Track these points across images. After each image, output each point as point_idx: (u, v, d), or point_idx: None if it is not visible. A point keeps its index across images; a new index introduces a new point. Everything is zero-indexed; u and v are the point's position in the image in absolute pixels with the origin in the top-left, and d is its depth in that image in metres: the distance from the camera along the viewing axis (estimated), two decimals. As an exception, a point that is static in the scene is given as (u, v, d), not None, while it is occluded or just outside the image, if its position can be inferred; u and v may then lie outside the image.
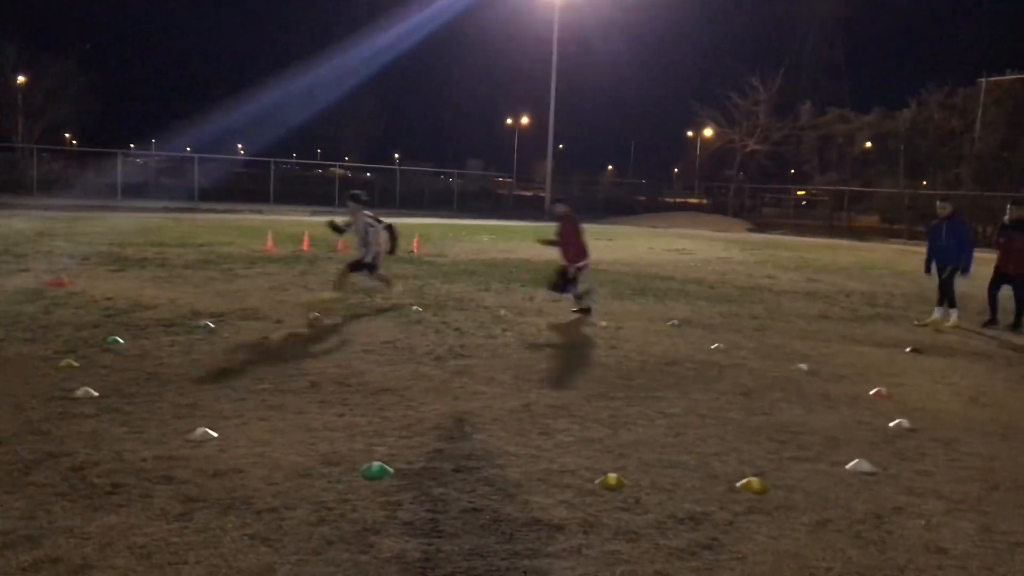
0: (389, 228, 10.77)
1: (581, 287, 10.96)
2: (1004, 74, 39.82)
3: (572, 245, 10.96)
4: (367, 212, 10.77)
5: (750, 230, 42.70)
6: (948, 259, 11.59)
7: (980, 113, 38.41)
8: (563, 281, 10.92)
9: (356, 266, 10.80)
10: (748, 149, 52.97)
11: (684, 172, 67.43)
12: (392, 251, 10.96)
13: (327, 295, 10.43)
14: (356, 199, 10.82)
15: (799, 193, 54.01)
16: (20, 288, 10.76)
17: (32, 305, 9.51)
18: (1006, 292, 11.70)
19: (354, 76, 59.92)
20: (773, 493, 4.77)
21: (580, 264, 10.94)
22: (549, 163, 47.46)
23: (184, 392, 6.31)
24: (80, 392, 6.07)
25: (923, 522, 4.43)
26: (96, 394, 6.06)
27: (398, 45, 58.33)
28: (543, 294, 11.59)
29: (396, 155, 75.94)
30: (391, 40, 57.04)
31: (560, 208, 11.45)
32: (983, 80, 39.38)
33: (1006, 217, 11.96)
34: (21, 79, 48.60)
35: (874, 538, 4.21)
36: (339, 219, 11.23)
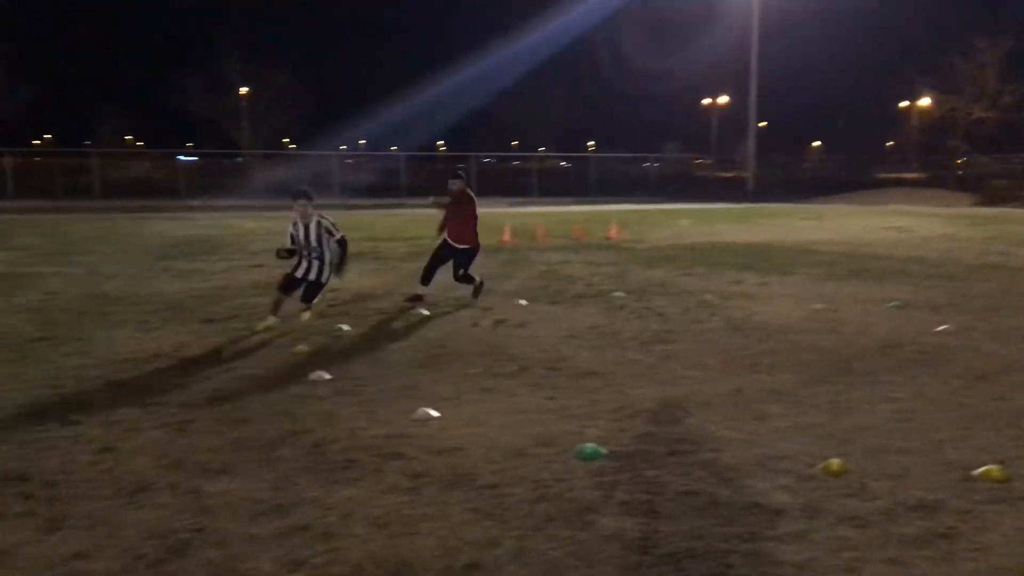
0: (342, 242, 8.96)
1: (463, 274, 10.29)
2: None
3: (460, 224, 10.28)
4: (325, 216, 8.98)
5: (976, 204, 39.32)
6: None
7: None
8: (430, 274, 10.19)
9: (292, 284, 8.81)
10: (974, 117, 48.70)
11: (899, 145, 62.98)
12: (340, 271, 9.06)
13: (263, 324, 8.49)
14: (305, 196, 8.81)
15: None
16: (254, 282, 11.76)
17: (264, 297, 10.37)
18: None
19: (543, 64, 60.57)
20: (1017, 483, 4.42)
21: (465, 247, 10.28)
22: (751, 142, 45.91)
23: (406, 375, 6.68)
24: (313, 375, 6.57)
25: None
26: (328, 377, 6.54)
27: (584, 25, 58.22)
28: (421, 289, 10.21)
29: (589, 143, 76.11)
30: (579, 21, 57.07)
31: (455, 184, 10.40)
32: None
33: None
34: (244, 90, 53.04)
35: None
36: (284, 244, 9.07)
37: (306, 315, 8.85)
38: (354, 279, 12.13)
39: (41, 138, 75.17)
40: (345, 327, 8.53)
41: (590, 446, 4.91)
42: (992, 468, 4.54)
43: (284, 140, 61.13)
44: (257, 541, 3.74)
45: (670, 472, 4.60)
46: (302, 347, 7.61)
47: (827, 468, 4.57)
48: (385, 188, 41.17)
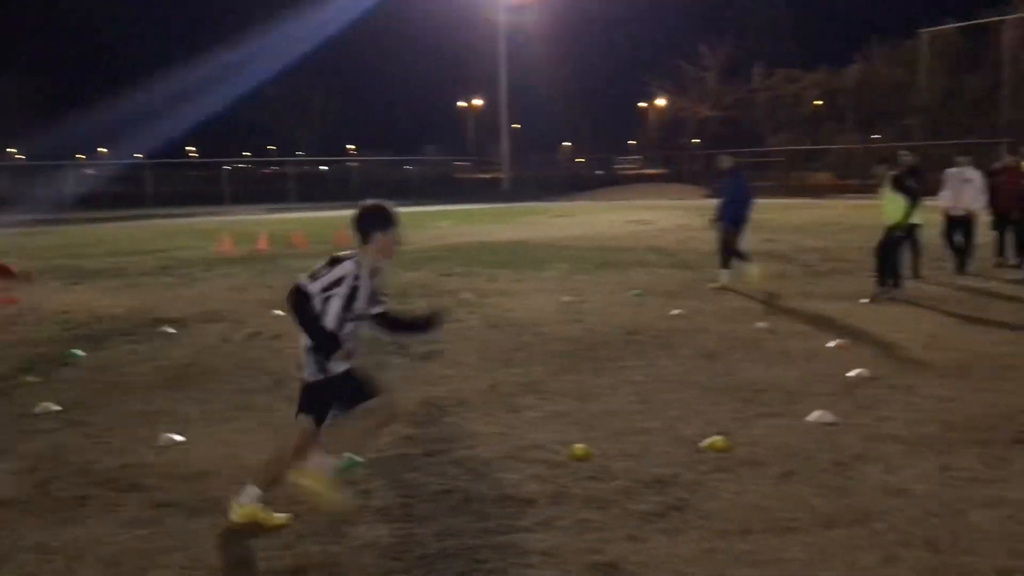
0: None
1: None
2: (943, 24, 40.37)
3: None
4: None
5: (706, 196, 43.00)
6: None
7: (923, 64, 38.97)
8: None
9: None
10: (701, 116, 53.31)
11: (640, 143, 67.62)
12: None
13: None
14: None
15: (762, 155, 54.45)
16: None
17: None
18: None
19: (298, 65, 58.94)
20: (738, 450, 4.86)
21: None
22: (504, 143, 47.37)
23: (147, 399, 6.26)
24: (39, 408, 5.99)
25: (883, 466, 4.54)
26: (57, 408, 5.99)
27: (338, 25, 57.14)
28: None
29: (349, 146, 75.30)
30: (332, 21, 55.99)
31: None
32: (923, 32, 39.91)
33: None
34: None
35: (837, 485, 4.31)
36: None
37: None
38: (90, 297, 11.21)
39: None
40: (79, 352, 7.85)
41: (345, 456, 4.83)
42: (717, 439, 4.96)
43: (9, 150, 55.52)
44: (-33, 601, 3.35)
45: (426, 473, 4.63)
46: (30, 377, 6.92)
47: (573, 454, 4.80)
48: (130, 198, 38.36)
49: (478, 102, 71.23)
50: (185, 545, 3.79)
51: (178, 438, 5.26)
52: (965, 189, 12.05)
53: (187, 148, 69.06)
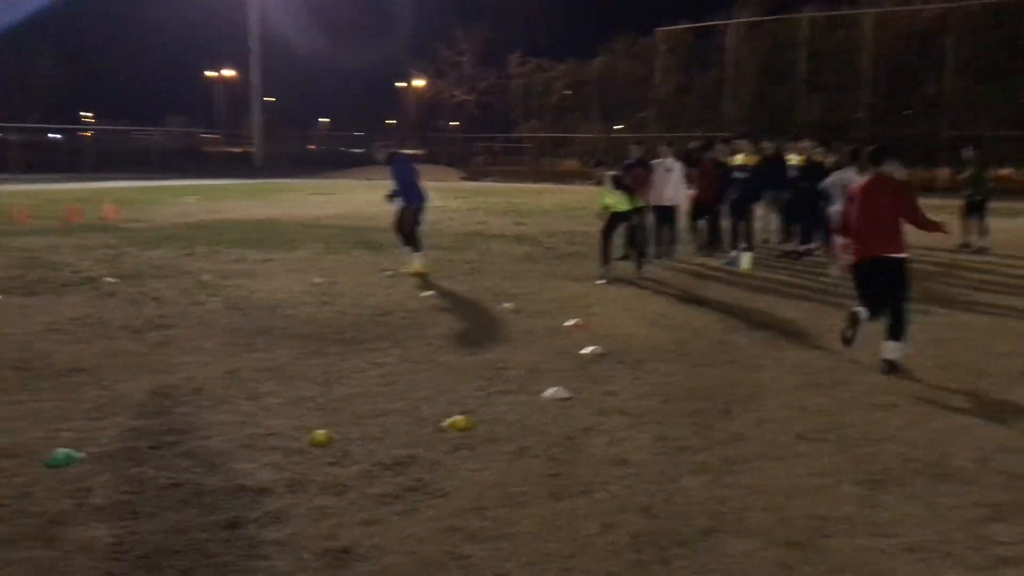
0: None
1: None
2: (678, 23, 43.57)
3: None
4: None
5: (463, 178, 43.80)
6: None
7: (659, 61, 41.88)
8: None
9: None
10: (457, 99, 54.09)
11: (398, 123, 67.49)
12: None
13: None
14: None
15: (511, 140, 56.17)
16: None
17: None
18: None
19: (22, 23, 53.08)
20: (479, 428, 5.01)
21: None
22: (256, 117, 45.50)
23: None
24: None
25: (608, 438, 4.87)
26: None
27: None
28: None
29: (83, 113, 68.95)
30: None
31: None
32: (659, 30, 42.85)
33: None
34: None
35: (566, 458, 4.56)
36: None
37: None
38: None
39: None
40: None
41: (62, 451, 4.45)
42: (458, 418, 5.08)
43: None
44: None
45: (153, 467, 4.37)
46: None
47: (314, 440, 4.72)
48: None
49: (229, 72, 67.75)
50: None
51: None
52: (668, 179, 12.78)
53: None
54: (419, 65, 54.90)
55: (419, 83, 58.59)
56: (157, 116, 60.03)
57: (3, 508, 3.84)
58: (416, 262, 10.95)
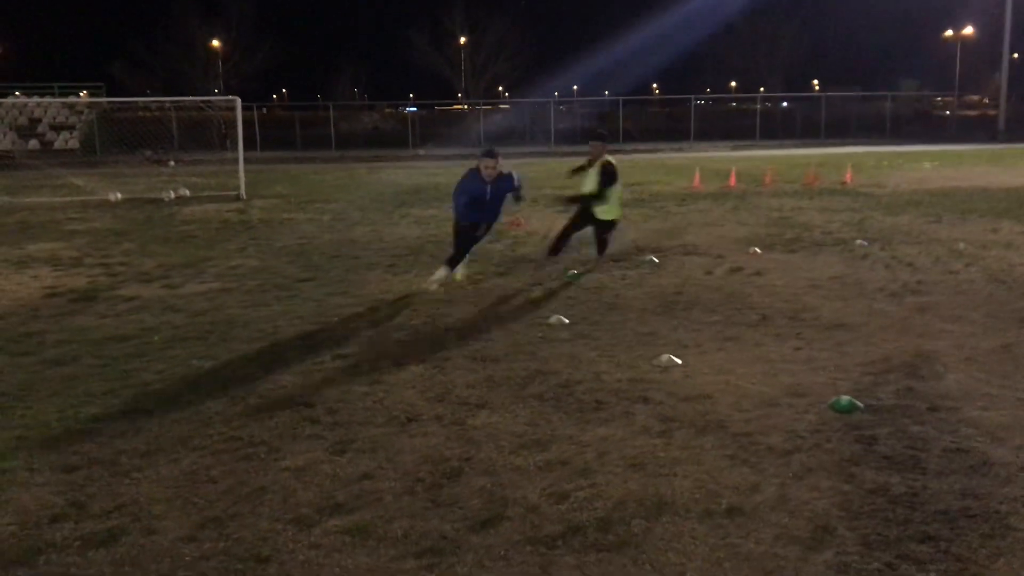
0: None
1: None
2: None
3: None
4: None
5: None
6: None
7: None
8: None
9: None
10: None
11: None
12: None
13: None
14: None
15: None
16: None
17: (500, 244, 10.72)
18: None
19: (768, 4, 57.46)
20: None
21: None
22: (1004, 76, 41.53)
23: (643, 321, 6.74)
24: (553, 319, 6.76)
25: None
26: (567, 321, 6.72)
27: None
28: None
29: (814, 81, 71.73)
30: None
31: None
32: None
33: None
34: (463, 40, 54.37)
35: None
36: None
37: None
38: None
39: (279, 94, 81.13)
40: (576, 272, 8.69)
41: (845, 398, 4.75)
42: None
43: (499, 88, 62.22)
44: (522, 472, 3.95)
45: (934, 428, 4.38)
46: (536, 292, 7.86)
47: None
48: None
49: (967, 31, 63.02)
50: (696, 459, 4.05)
51: (677, 360, 5.59)
52: None
53: (653, 86, 71.54)
54: None
55: None
56: (891, 80, 59.15)
57: (801, 440, 4.26)
58: None
